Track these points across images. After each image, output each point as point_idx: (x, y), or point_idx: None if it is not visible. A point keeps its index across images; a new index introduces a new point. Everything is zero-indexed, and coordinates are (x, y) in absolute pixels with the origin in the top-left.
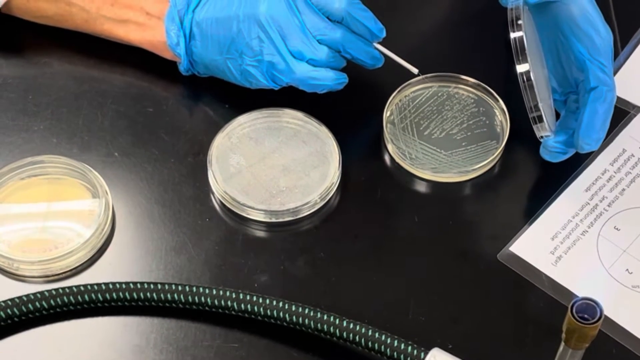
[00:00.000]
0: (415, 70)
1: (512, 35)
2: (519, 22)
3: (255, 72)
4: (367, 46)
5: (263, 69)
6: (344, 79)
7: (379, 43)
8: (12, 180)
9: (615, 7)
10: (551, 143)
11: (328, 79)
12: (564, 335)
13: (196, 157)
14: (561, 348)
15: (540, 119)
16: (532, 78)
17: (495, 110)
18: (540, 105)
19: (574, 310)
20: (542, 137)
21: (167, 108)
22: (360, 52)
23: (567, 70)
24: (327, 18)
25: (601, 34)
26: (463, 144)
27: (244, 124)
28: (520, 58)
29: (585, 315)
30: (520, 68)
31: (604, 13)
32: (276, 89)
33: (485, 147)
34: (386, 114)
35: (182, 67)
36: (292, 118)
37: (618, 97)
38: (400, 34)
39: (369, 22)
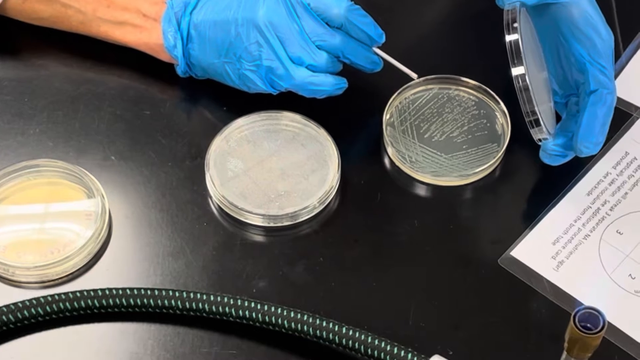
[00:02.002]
0: (414, 76)
1: (508, 38)
2: (515, 24)
3: (253, 77)
4: (367, 51)
5: (262, 74)
6: (343, 83)
7: (379, 47)
8: (8, 184)
9: (617, 8)
10: (550, 146)
11: (327, 84)
12: (566, 344)
13: (194, 161)
14: (563, 356)
15: (537, 122)
16: (528, 81)
17: (496, 113)
18: (536, 108)
19: (576, 320)
20: (539, 140)
21: (164, 111)
22: (360, 57)
23: (568, 72)
24: (327, 24)
25: (602, 35)
26: (464, 147)
27: (242, 126)
28: (516, 61)
29: (588, 325)
30: (516, 71)
31: (605, 14)
32: (275, 93)
33: (486, 150)
34: (386, 116)
35: (180, 70)
36: (290, 121)
37: (620, 99)
38: (401, 35)
39: (369, 28)
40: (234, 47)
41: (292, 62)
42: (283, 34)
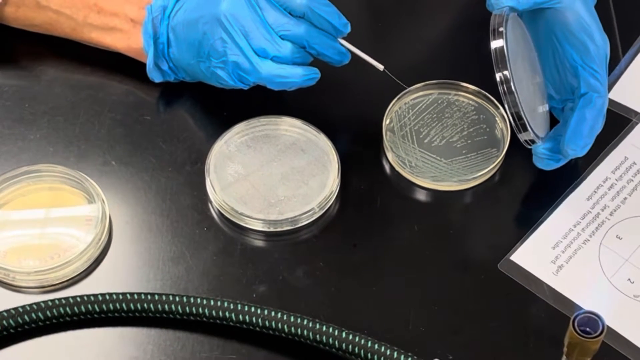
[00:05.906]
0: (380, 67)
1: (492, 42)
2: (500, 29)
3: (222, 74)
4: (332, 41)
5: (229, 70)
6: (314, 74)
7: (344, 38)
8: (8, 190)
9: (617, 13)
10: (540, 150)
11: (295, 76)
12: (565, 349)
13: (194, 166)
14: None
15: (524, 127)
16: (513, 85)
17: (496, 118)
18: (522, 112)
19: (575, 324)
20: (526, 142)
21: (164, 116)
22: (326, 47)
23: (563, 77)
24: (290, 14)
25: (596, 41)
26: (463, 151)
27: (242, 131)
28: (500, 65)
29: (587, 329)
30: (499, 77)
31: (604, 19)
32: (245, 89)
33: (485, 155)
34: (386, 121)
35: (154, 75)
36: (290, 126)
37: (619, 104)
38: (401, 40)
39: (332, 18)
40: (203, 46)
41: (256, 56)
42: (245, 26)
